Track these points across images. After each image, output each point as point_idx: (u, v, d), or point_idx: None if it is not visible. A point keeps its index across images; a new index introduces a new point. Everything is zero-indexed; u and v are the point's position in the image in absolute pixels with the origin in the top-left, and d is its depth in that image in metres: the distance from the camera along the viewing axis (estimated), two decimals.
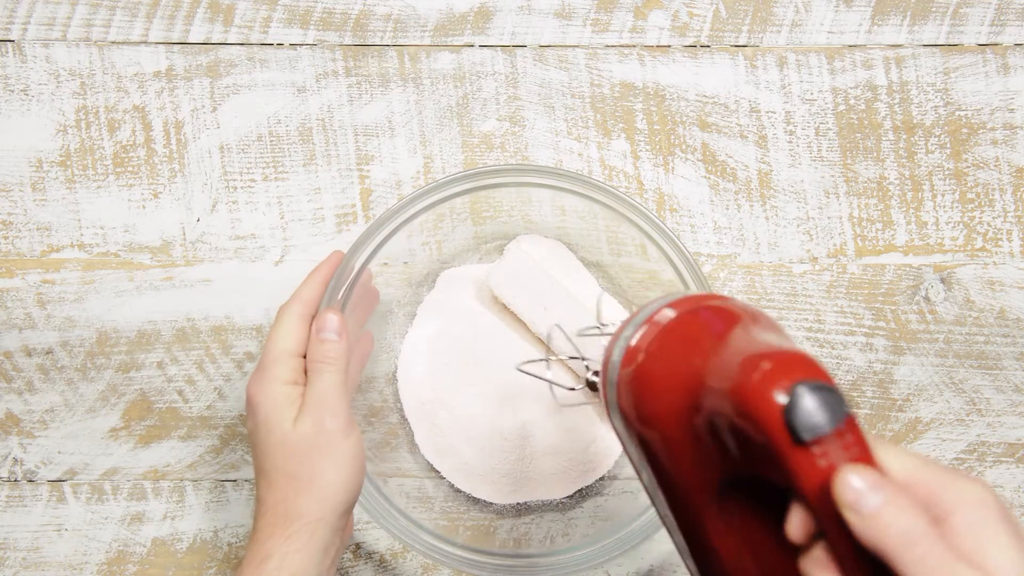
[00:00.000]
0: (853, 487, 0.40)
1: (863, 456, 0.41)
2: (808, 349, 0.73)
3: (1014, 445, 0.73)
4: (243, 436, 0.73)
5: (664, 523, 0.50)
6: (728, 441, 0.44)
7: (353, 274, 0.64)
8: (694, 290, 0.63)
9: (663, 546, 0.73)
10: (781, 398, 0.41)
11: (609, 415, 0.52)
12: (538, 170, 0.65)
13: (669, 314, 0.49)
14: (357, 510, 0.70)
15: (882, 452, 0.43)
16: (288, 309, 0.61)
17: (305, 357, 0.60)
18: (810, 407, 0.41)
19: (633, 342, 0.50)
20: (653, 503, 0.51)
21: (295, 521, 0.56)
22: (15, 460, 0.73)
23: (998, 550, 0.41)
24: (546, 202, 0.70)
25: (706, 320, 0.48)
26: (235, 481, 0.73)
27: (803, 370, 0.42)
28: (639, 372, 0.49)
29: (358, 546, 0.73)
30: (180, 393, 0.73)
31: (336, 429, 0.57)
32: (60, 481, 0.73)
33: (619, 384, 0.50)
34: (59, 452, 0.73)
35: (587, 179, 0.65)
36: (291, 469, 0.57)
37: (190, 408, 0.73)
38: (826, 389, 0.41)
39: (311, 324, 0.60)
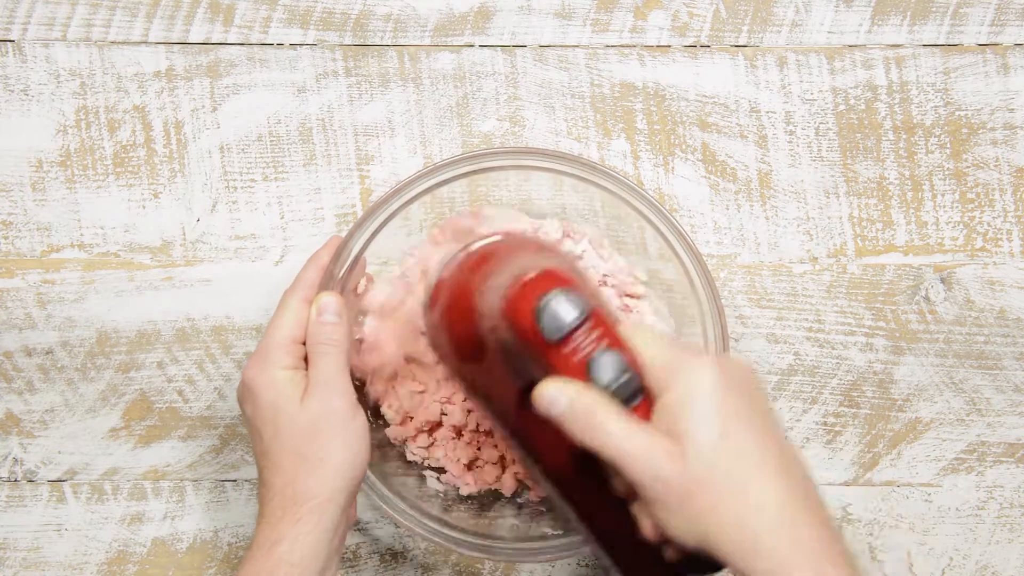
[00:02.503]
0: (543, 396, 0.49)
1: (611, 344, 0.49)
2: (808, 349, 0.73)
3: (1014, 445, 0.73)
4: (243, 436, 0.73)
5: (502, 439, 0.58)
6: (512, 353, 0.51)
7: (351, 257, 0.64)
8: (692, 268, 0.66)
9: None
10: (532, 306, 0.48)
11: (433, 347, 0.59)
12: (539, 153, 0.65)
13: (468, 248, 0.56)
14: (360, 510, 0.70)
15: (632, 337, 0.50)
16: (291, 294, 0.62)
17: (305, 342, 0.60)
18: (554, 310, 0.48)
19: (432, 283, 0.57)
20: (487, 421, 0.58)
21: (305, 503, 0.57)
22: (15, 460, 0.73)
23: (691, 417, 0.48)
24: (545, 185, 0.70)
25: (495, 251, 0.55)
26: (235, 481, 0.73)
27: (550, 281, 0.49)
28: (443, 303, 0.56)
29: (358, 545, 0.73)
30: (180, 393, 0.73)
31: (344, 408, 0.58)
32: (60, 481, 0.73)
33: (428, 325, 0.57)
34: (59, 452, 0.73)
35: (588, 162, 0.65)
36: (300, 449, 0.58)
37: (190, 408, 0.73)
38: (569, 292, 0.48)
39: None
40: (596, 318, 0.49)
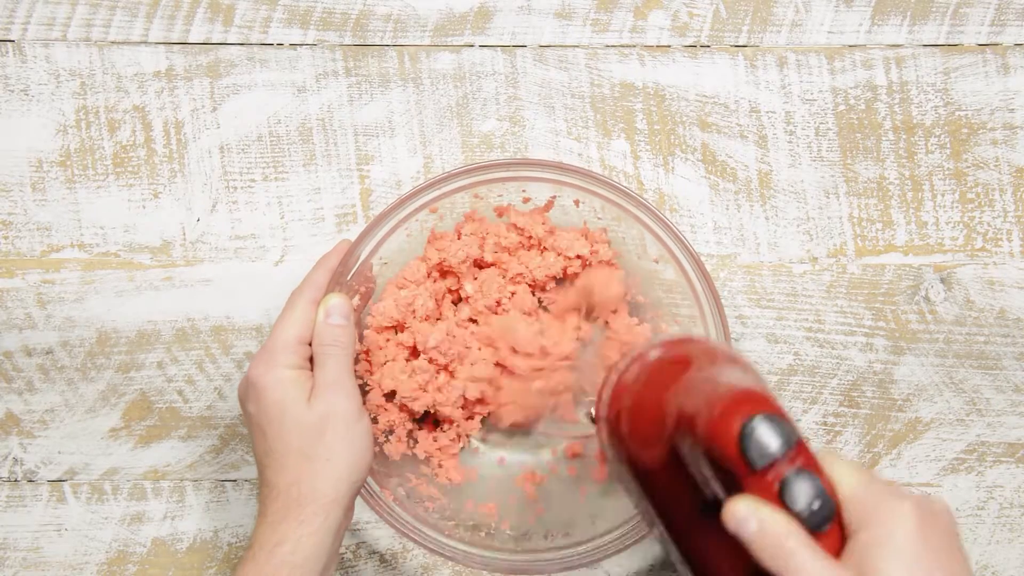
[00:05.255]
0: (733, 515, 0.46)
1: (812, 470, 0.47)
2: (808, 349, 0.73)
3: (1014, 445, 0.73)
4: (243, 436, 0.73)
5: (661, 544, 0.54)
6: (703, 468, 0.49)
7: (359, 262, 0.65)
8: (697, 282, 0.65)
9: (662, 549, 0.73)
10: (737, 431, 0.46)
11: (602, 449, 0.57)
12: (540, 165, 0.66)
13: (651, 355, 0.55)
14: (360, 511, 0.70)
15: (833, 469, 0.48)
16: (299, 295, 0.62)
17: (311, 343, 0.61)
18: (762, 437, 0.46)
19: (619, 381, 0.55)
20: (649, 527, 0.55)
21: (309, 504, 0.57)
22: (15, 460, 0.73)
23: (887, 559, 0.45)
24: (546, 189, 0.70)
25: (682, 359, 0.53)
26: (235, 481, 0.73)
27: (757, 404, 0.47)
28: (624, 408, 0.54)
29: (358, 546, 0.73)
30: (180, 393, 0.73)
31: (350, 410, 0.59)
32: (60, 481, 0.73)
33: (608, 419, 0.55)
34: (59, 452, 0.73)
35: (589, 172, 0.65)
36: (306, 450, 0.58)
37: (190, 408, 0.73)
38: (776, 420, 0.46)
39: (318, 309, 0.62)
40: (800, 447, 0.47)
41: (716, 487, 0.49)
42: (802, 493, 0.47)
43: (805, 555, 0.46)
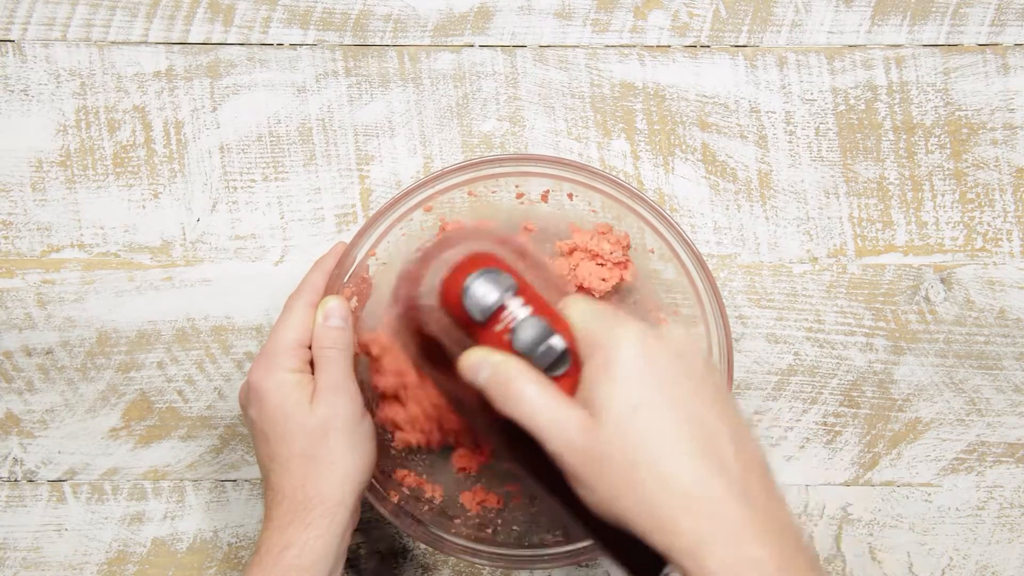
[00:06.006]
0: (467, 364, 0.48)
1: (543, 314, 0.49)
2: (808, 349, 0.73)
3: (1014, 445, 0.73)
4: (243, 436, 0.73)
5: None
6: (456, 339, 0.52)
7: (355, 264, 0.65)
8: (693, 270, 0.66)
9: None
10: (460, 290, 0.49)
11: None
12: (539, 160, 0.66)
13: (413, 255, 0.57)
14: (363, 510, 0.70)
15: (567, 310, 0.49)
16: (296, 299, 0.62)
17: (310, 347, 0.61)
18: (477, 292, 0.49)
19: (393, 281, 0.57)
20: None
21: (316, 507, 0.57)
22: (15, 460, 0.73)
23: (606, 385, 0.45)
24: (545, 186, 0.70)
25: (437, 246, 0.56)
26: (235, 481, 0.73)
27: (472, 263, 0.50)
28: (398, 305, 0.56)
29: (359, 546, 0.73)
30: (180, 393, 0.73)
31: (352, 411, 0.59)
32: (60, 481, 0.73)
33: (393, 323, 0.58)
34: (59, 452, 0.73)
35: (588, 167, 0.65)
36: (310, 452, 0.58)
37: (190, 408, 0.73)
38: (488, 273, 0.48)
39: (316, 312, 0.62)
40: (524, 292, 0.49)
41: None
42: (526, 335, 0.48)
43: (531, 393, 0.46)
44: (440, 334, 0.53)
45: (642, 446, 0.44)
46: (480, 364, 0.48)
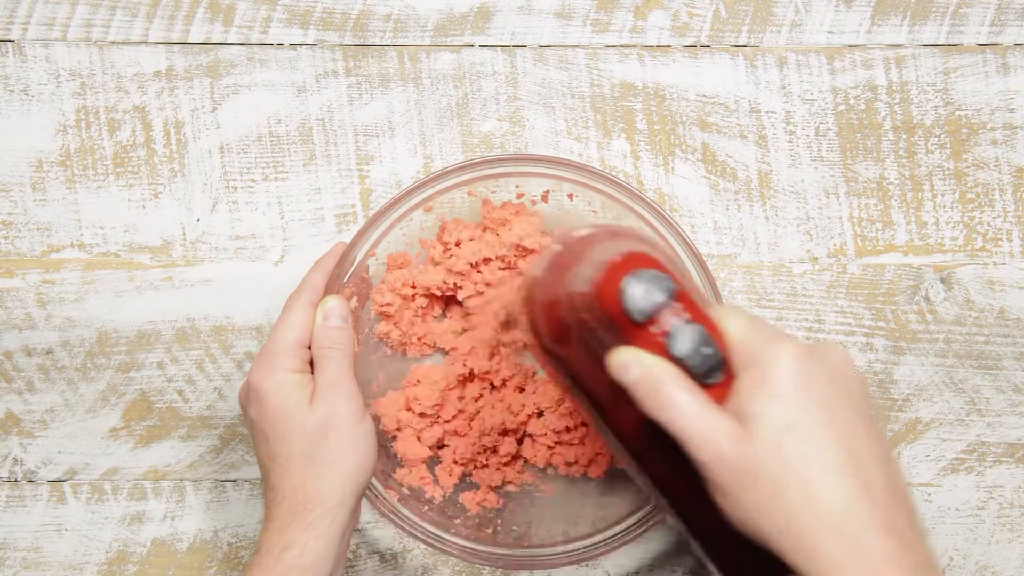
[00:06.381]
0: (616, 362, 0.47)
1: (695, 320, 0.48)
2: None
3: (1014, 445, 0.73)
4: (243, 436, 0.73)
5: (604, 438, 0.55)
6: (603, 340, 0.50)
7: (355, 264, 0.65)
8: (693, 271, 0.65)
9: (662, 546, 0.73)
10: (618, 289, 0.48)
11: (531, 349, 0.57)
12: (538, 160, 0.66)
13: (555, 247, 0.55)
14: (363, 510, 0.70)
15: (722, 319, 0.48)
16: (296, 299, 0.62)
17: (310, 346, 0.61)
18: (637, 292, 0.47)
19: (531, 280, 0.55)
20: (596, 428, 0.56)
21: (316, 507, 0.57)
22: (15, 460, 0.73)
23: (762, 400, 0.45)
24: (545, 186, 0.70)
25: (582, 243, 0.54)
26: (235, 481, 0.73)
27: (636, 262, 0.48)
28: (531, 296, 0.55)
29: (358, 546, 0.73)
30: (180, 393, 0.73)
31: (351, 411, 0.59)
32: (60, 481, 0.73)
33: (523, 312, 0.56)
34: (59, 452, 0.73)
35: (587, 167, 0.65)
36: (309, 452, 0.58)
37: (190, 408, 0.73)
38: (653, 274, 0.48)
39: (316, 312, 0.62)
40: (683, 298, 0.48)
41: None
42: (684, 341, 0.47)
43: (683, 399, 0.46)
44: (582, 326, 0.52)
45: (794, 465, 0.44)
46: (630, 363, 0.47)
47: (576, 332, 0.52)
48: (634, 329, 0.48)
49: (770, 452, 0.44)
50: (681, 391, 0.46)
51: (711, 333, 0.48)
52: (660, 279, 0.48)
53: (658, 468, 0.51)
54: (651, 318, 0.47)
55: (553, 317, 0.53)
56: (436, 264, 0.69)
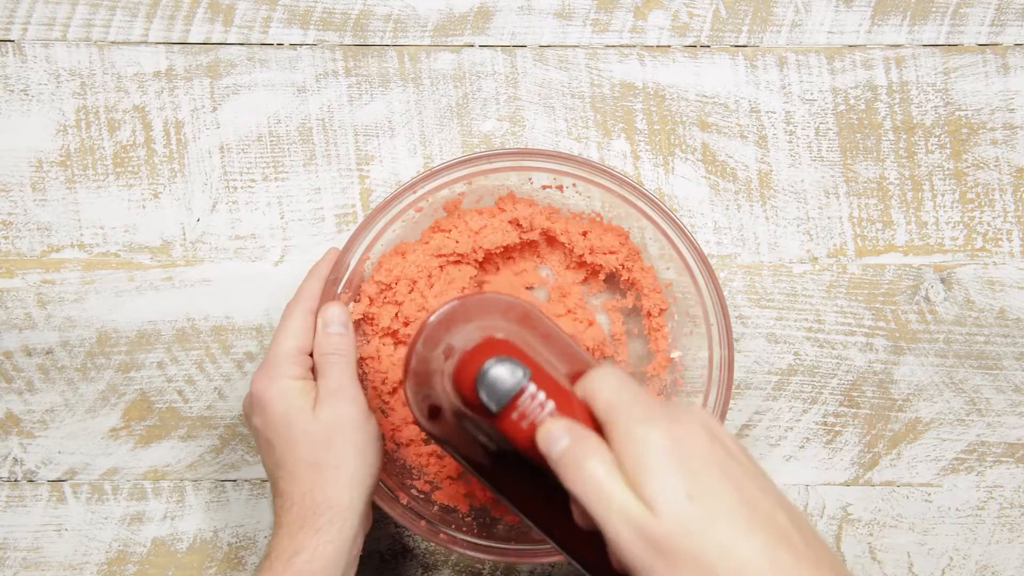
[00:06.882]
0: (545, 437, 0.47)
1: (560, 406, 0.48)
2: (808, 349, 0.73)
3: (1014, 445, 0.73)
4: (243, 436, 0.73)
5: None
6: (472, 420, 0.51)
7: (349, 269, 0.65)
8: (695, 267, 0.65)
9: None
10: (473, 381, 0.48)
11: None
12: (538, 154, 0.66)
13: (430, 320, 0.55)
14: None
15: (589, 386, 0.48)
16: (295, 306, 0.62)
17: (311, 353, 0.61)
18: (490, 383, 0.48)
19: (406, 353, 0.56)
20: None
21: (325, 512, 0.57)
22: (15, 460, 0.73)
23: (652, 481, 0.44)
24: (545, 183, 0.70)
25: (445, 319, 0.55)
26: (235, 481, 0.73)
27: (486, 352, 0.49)
28: (409, 379, 0.56)
29: None
30: (180, 393, 0.73)
31: (356, 415, 0.59)
32: (60, 481, 0.73)
33: (406, 390, 0.56)
34: (59, 452, 0.73)
35: (588, 162, 0.65)
36: (315, 458, 0.58)
37: (190, 408, 0.73)
38: (502, 362, 0.48)
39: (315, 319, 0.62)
40: (538, 378, 0.48)
41: (490, 435, 0.51)
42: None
43: (602, 474, 0.45)
44: (450, 408, 0.54)
45: (707, 535, 0.43)
46: (559, 435, 0.46)
47: (449, 411, 0.54)
48: (496, 419, 0.48)
49: (681, 529, 0.43)
50: (599, 465, 0.45)
51: (570, 409, 0.48)
52: (511, 367, 0.48)
53: (561, 533, 0.52)
54: (509, 406, 0.48)
55: (425, 395, 0.55)
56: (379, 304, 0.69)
